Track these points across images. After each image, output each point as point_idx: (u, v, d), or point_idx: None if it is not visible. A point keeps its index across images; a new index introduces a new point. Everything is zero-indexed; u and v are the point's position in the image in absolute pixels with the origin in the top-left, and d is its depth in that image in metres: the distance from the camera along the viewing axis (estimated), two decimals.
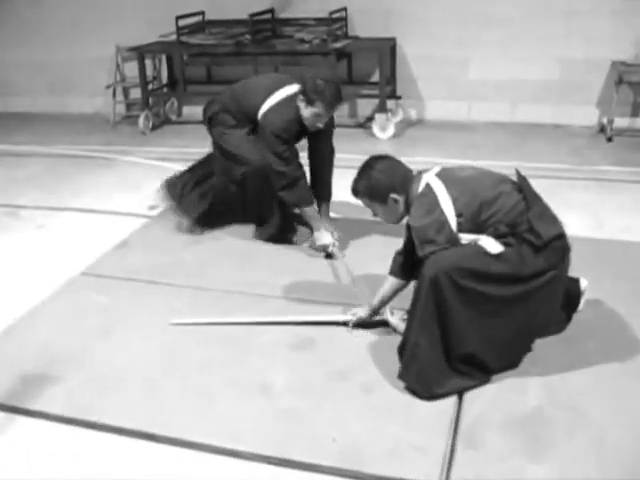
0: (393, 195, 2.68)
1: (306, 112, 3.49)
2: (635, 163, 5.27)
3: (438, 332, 2.50)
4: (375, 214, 2.83)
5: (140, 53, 6.40)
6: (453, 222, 2.55)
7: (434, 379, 2.54)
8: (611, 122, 5.91)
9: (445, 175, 2.66)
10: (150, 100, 6.70)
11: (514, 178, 2.74)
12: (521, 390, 2.60)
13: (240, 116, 3.71)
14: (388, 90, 6.33)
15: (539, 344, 2.78)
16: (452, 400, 2.56)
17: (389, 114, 6.18)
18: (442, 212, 2.55)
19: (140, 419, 2.50)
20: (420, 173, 2.70)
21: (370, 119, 6.61)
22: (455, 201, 2.56)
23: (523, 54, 6.27)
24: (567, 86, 6.26)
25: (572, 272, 2.78)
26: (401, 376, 2.61)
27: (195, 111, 7.08)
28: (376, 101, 6.46)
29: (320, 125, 3.55)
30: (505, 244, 2.51)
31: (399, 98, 6.55)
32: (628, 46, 5.96)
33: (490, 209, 2.56)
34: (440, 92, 6.60)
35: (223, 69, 6.79)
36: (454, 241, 2.55)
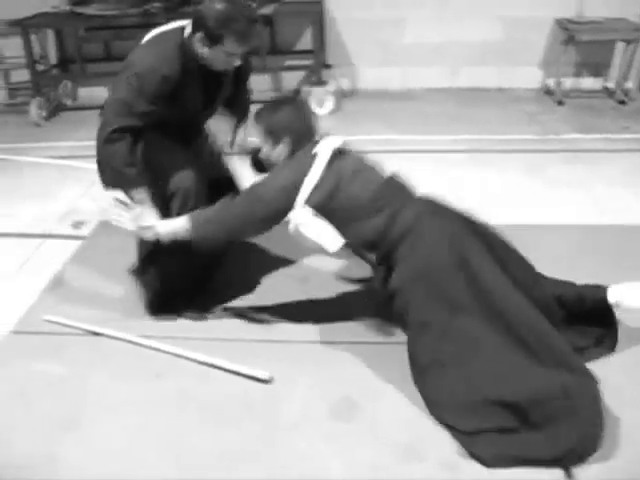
0: (287, 139, 2.43)
1: (212, 53, 2.44)
2: (600, 129, 4.93)
3: None
4: (259, 150, 2.51)
5: (24, 27, 5.29)
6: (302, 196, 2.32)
7: None
8: (560, 84, 5.55)
9: (341, 160, 2.39)
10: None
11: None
12: None
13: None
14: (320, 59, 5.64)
15: None
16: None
17: (327, 86, 5.50)
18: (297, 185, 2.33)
19: None
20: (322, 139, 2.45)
21: (297, 92, 5.93)
22: (317, 188, 2.32)
23: (461, 13, 5.75)
24: (509, 47, 5.82)
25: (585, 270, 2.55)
26: None
27: (94, 93, 6.08)
28: (301, 72, 5.85)
29: (235, 64, 2.52)
30: None
31: (329, 67, 5.87)
32: (569, 2, 5.58)
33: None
34: (374, 58, 5.97)
35: (126, 44, 5.79)
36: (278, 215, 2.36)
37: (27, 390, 2.42)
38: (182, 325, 2.74)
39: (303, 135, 2.45)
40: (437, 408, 2.19)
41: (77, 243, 3.45)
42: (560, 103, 5.52)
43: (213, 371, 2.48)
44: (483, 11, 5.72)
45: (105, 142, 2.44)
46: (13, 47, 5.68)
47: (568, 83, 5.79)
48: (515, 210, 3.67)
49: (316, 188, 2.32)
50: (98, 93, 6.09)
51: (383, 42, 5.91)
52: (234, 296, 2.91)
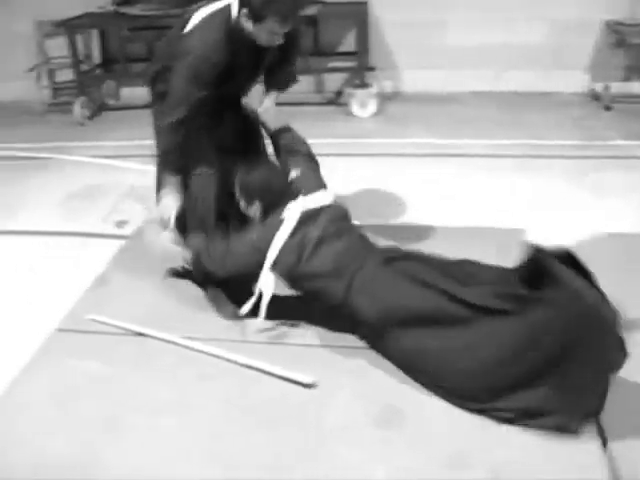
0: (257, 203, 2.58)
1: (255, 30, 2.52)
2: None
3: None
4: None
5: (70, 28, 5.35)
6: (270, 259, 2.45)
7: None
8: (608, 89, 5.42)
9: (309, 225, 2.46)
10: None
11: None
12: None
13: None
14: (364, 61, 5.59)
15: None
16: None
17: (370, 89, 5.45)
18: (265, 248, 2.45)
19: None
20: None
21: (339, 94, 5.90)
22: (283, 253, 2.43)
23: (505, 16, 5.66)
24: (554, 49, 5.70)
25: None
26: None
27: (137, 93, 6.11)
28: (343, 74, 5.86)
29: (277, 42, 2.59)
30: None
31: (372, 70, 5.82)
32: (618, 4, 5.45)
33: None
34: (417, 61, 5.90)
35: None
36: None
37: (70, 389, 2.41)
38: (226, 327, 2.71)
39: (273, 201, 2.55)
40: (478, 403, 2.18)
41: (120, 242, 3.46)
42: (607, 108, 5.40)
43: (256, 374, 2.45)
44: (527, 13, 5.62)
45: (162, 132, 2.62)
46: (58, 47, 5.75)
47: (616, 87, 5.64)
48: (557, 215, 3.60)
49: (282, 253, 2.43)
50: (141, 93, 6.10)
51: (426, 45, 5.83)
52: (275, 299, 2.89)
